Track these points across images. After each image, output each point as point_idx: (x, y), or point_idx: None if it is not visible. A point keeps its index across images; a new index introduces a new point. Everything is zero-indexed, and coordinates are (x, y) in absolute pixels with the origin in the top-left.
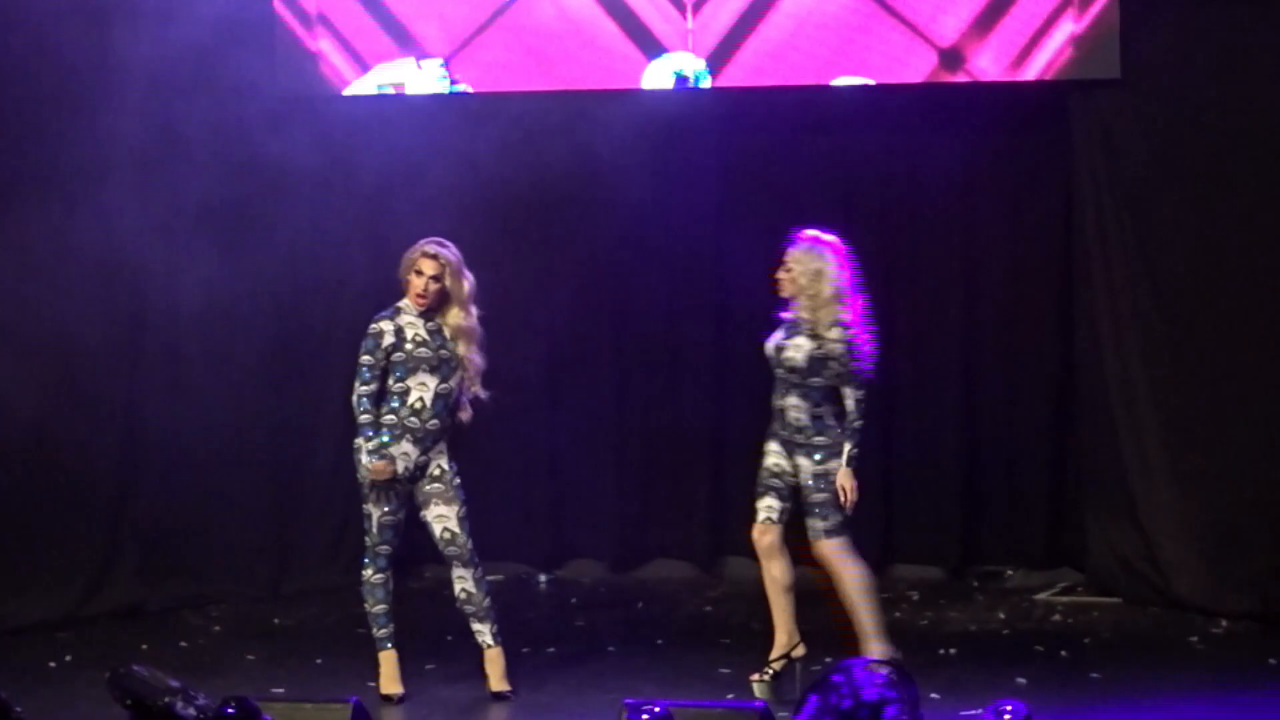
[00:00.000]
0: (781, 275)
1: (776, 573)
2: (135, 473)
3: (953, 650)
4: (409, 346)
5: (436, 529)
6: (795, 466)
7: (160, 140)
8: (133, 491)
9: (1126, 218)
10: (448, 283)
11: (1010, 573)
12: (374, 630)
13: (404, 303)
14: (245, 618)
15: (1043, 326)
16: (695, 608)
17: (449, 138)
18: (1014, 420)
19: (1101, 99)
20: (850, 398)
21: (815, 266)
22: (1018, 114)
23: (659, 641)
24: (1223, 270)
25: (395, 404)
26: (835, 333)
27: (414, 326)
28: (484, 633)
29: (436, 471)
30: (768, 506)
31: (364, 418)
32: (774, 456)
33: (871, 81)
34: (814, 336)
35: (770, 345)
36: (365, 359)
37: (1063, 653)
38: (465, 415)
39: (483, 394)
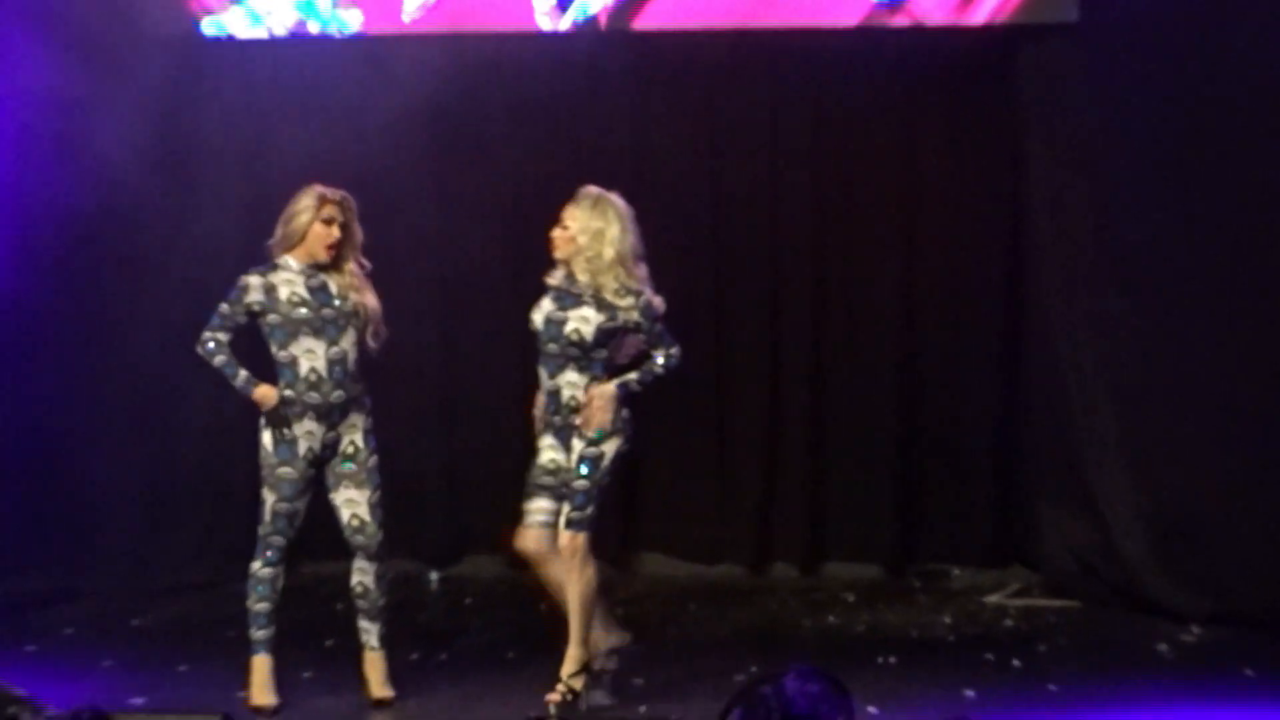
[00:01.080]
0: (556, 234)
1: (558, 574)
2: None
3: (892, 659)
4: (283, 307)
5: (344, 514)
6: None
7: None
8: None
9: (1081, 182)
10: (352, 227)
11: (956, 572)
12: (251, 630)
13: (285, 258)
14: (101, 617)
15: (988, 301)
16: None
17: (338, 79)
18: (956, 403)
19: (1054, 49)
20: (661, 355)
21: (596, 226)
22: (963, 64)
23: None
24: (1186, 240)
25: (288, 377)
26: (628, 300)
27: (290, 284)
28: (370, 632)
29: (350, 449)
30: (540, 509)
31: (219, 357)
32: (549, 452)
33: (801, 24)
34: (602, 306)
35: (539, 318)
36: (221, 307)
37: (1015, 662)
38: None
39: (382, 333)
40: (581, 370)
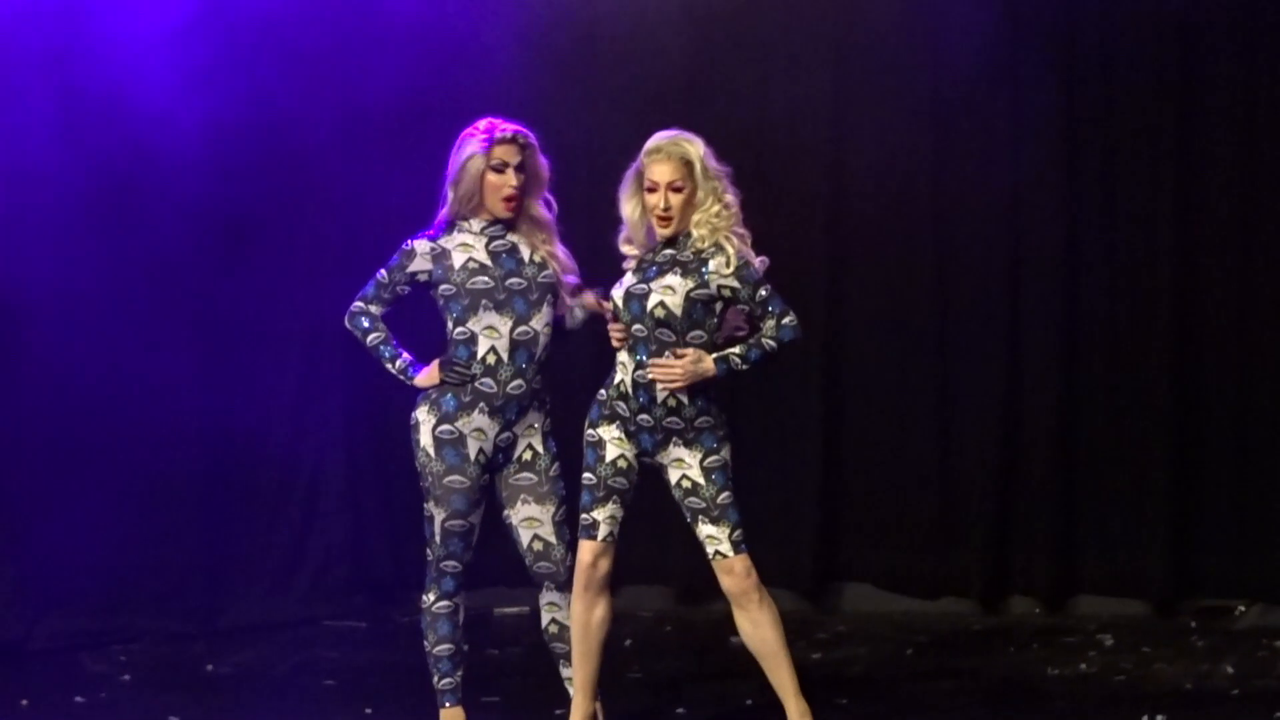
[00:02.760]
0: (657, 205)
1: (602, 613)
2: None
3: (1160, 716)
4: (457, 276)
5: (524, 536)
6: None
7: None
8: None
9: None
10: (531, 169)
11: (1242, 609)
12: (435, 679)
13: (466, 220)
14: (165, 662)
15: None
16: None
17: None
18: (1244, 404)
19: None
20: (772, 326)
21: (708, 170)
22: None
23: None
24: None
25: (463, 358)
26: (717, 260)
27: (468, 248)
28: None
29: (528, 455)
30: (612, 517)
31: (372, 335)
32: (617, 447)
33: None
34: (688, 271)
35: (619, 294)
36: (380, 275)
37: None
38: (582, 308)
39: (578, 304)
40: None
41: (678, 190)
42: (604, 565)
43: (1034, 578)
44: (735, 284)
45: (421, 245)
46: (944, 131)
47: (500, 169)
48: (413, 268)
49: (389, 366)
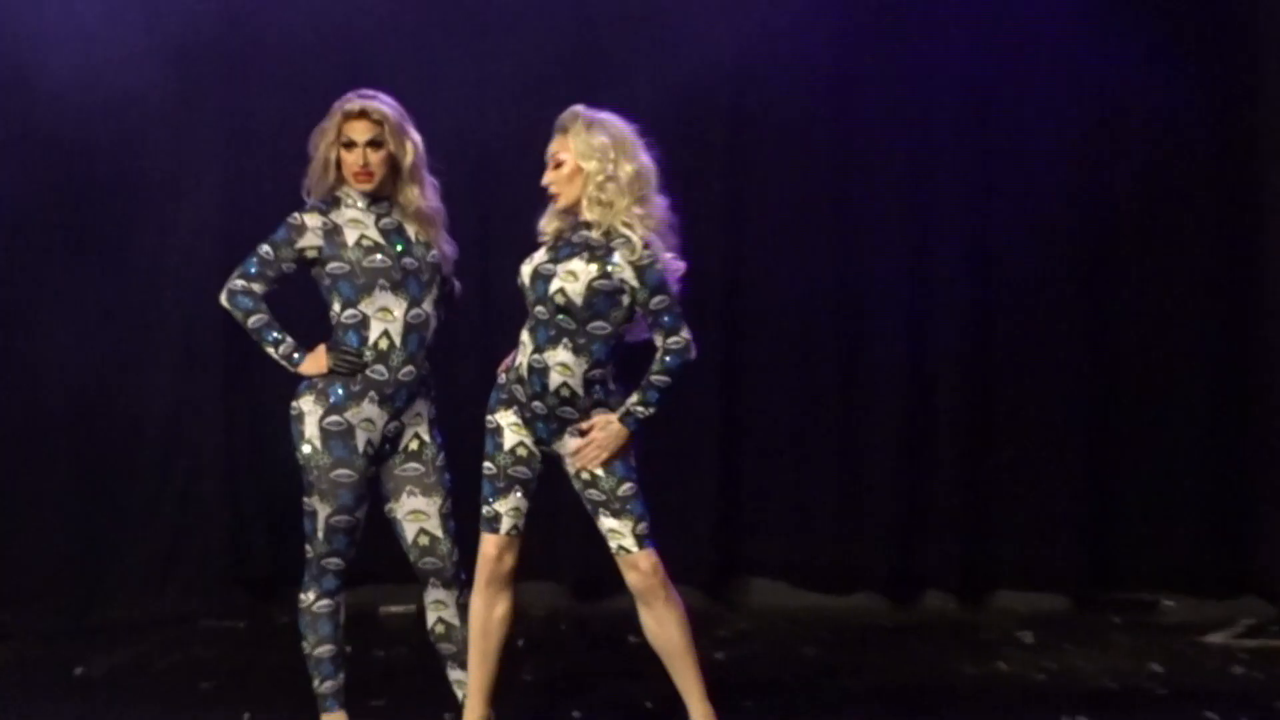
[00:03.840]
0: (549, 177)
1: (504, 611)
2: None
3: (1081, 717)
4: (351, 254)
5: (409, 530)
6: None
7: None
8: None
9: None
10: (392, 147)
11: (1168, 603)
12: (315, 683)
13: (347, 190)
14: (31, 664)
15: (1197, 283)
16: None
17: None
18: (1163, 390)
19: None
20: (660, 342)
21: (599, 141)
22: None
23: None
24: None
25: (352, 343)
26: (622, 251)
27: (359, 224)
28: (464, 684)
29: (414, 445)
30: (515, 509)
31: (254, 316)
32: (516, 434)
33: None
34: (596, 257)
35: (528, 270)
36: (263, 250)
37: None
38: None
39: (457, 289)
40: (578, 350)
41: (559, 165)
42: (509, 560)
43: (948, 571)
44: (634, 281)
45: (312, 219)
46: (850, 97)
47: (349, 146)
48: (302, 243)
49: (272, 351)
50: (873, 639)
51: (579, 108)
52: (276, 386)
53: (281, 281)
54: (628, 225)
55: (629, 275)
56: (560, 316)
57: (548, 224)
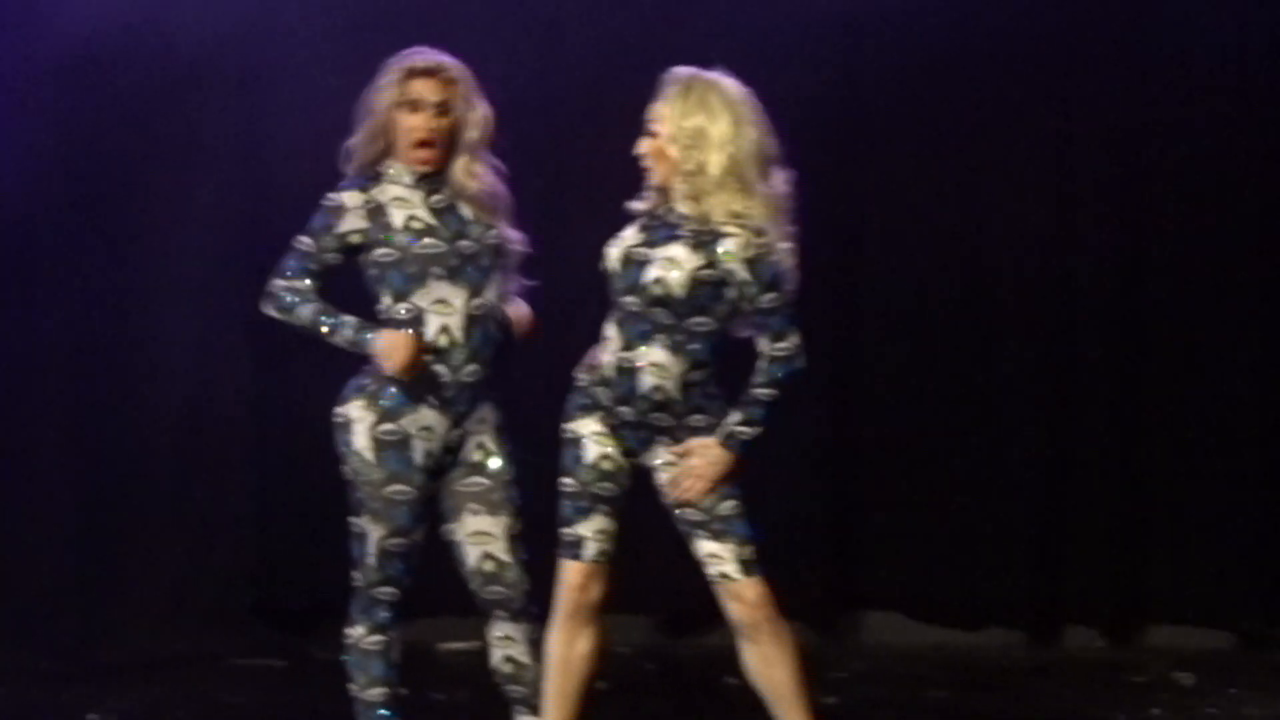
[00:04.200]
0: (645, 145)
1: (587, 647)
2: None
3: None
4: (400, 238)
5: (472, 555)
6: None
7: None
8: None
9: None
10: (460, 114)
11: None
12: None
13: (391, 164)
14: (34, 709)
15: None
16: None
17: None
18: None
19: None
20: (767, 347)
21: (694, 124)
22: None
23: None
24: None
25: None
26: (733, 239)
27: (405, 204)
28: None
29: (478, 456)
30: (602, 532)
31: (305, 308)
32: (601, 445)
33: None
34: (701, 244)
35: (617, 253)
36: (303, 243)
37: None
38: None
39: (518, 285)
40: (675, 349)
41: (653, 136)
42: (594, 590)
43: (1094, 603)
44: (744, 274)
45: (352, 197)
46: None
47: (414, 107)
48: (344, 227)
49: (337, 337)
50: (1007, 680)
51: (685, 71)
52: (314, 387)
53: (327, 277)
54: (730, 217)
55: (738, 266)
56: (656, 310)
57: (645, 200)
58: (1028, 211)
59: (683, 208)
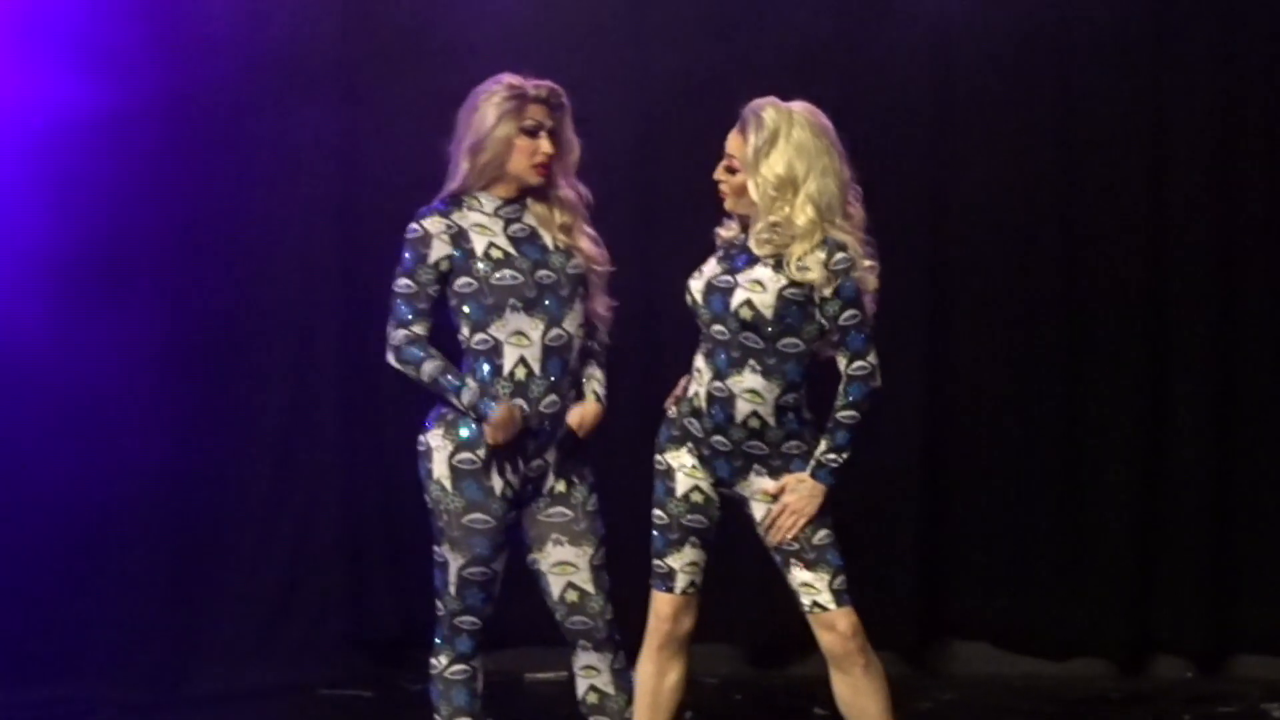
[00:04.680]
0: (721, 174)
1: (677, 678)
2: None
3: None
4: (480, 268)
5: (556, 585)
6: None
7: None
8: None
9: None
10: (566, 137)
11: None
12: None
13: (475, 194)
14: None
15: None
16: None
17: None
18: None
19: None
20: (843, 365)
21: (779, 170)
22: None
23: None
24: None
25: (483, 374)
26: (816, 257)
27: (485, 231)
28: None
29: (560, 487)
30: (693, 564)
31: (429, 364)
32: (690, 477)
33: None
34: (783, 265)
35: (699, 285)
36: (402, 285)
37: None
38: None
39: (610, 306)
40: (768, 373)
41: (732, 171)
42: (686, 622)
43: (1184, 633)
44: (826, 293)
45: (434, 224)
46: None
47: (533, 131)
48: (434, 255)
49: (456, 400)
50: (1096, 711)
51: (768, 111)
52: (403, 413)
53: (436, 312)
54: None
55: (820, 282)
56: (745, 334)
57: (728, 228)
58: (1123, 238)
59: (762, 251)
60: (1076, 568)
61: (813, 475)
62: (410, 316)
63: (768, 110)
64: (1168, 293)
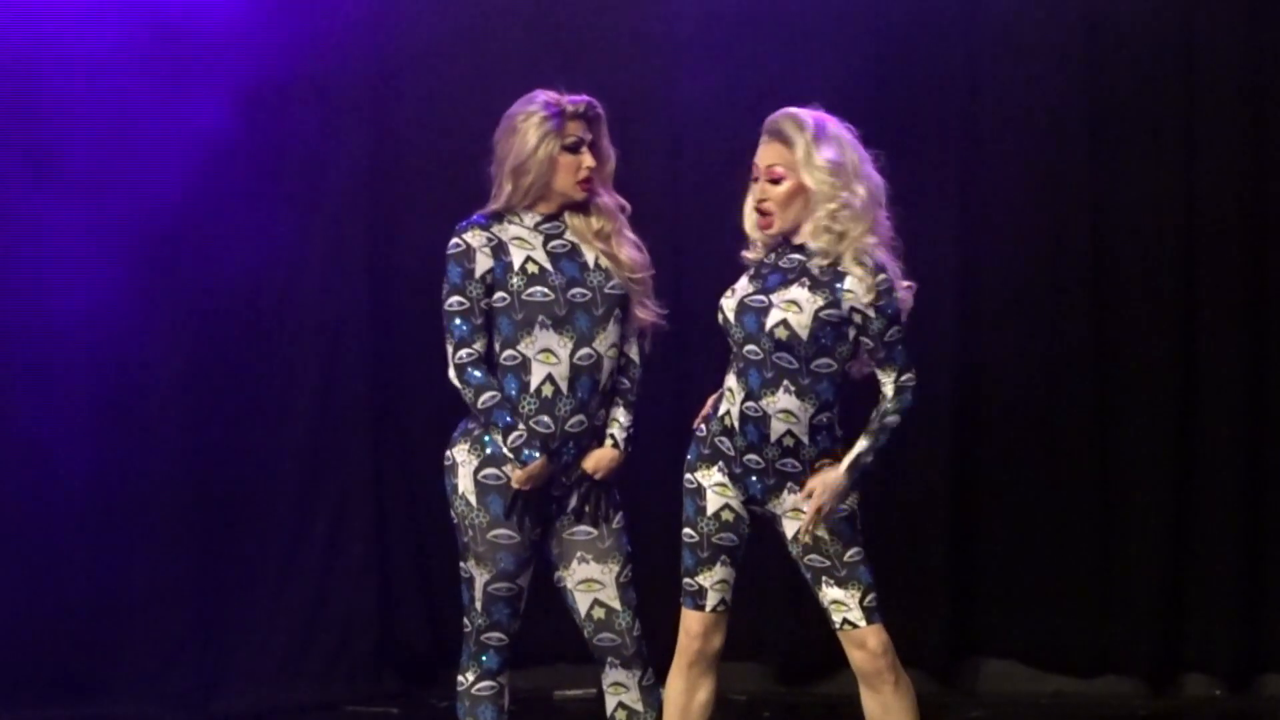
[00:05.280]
0: (758, 197)
1: (706, 696)
2: None
3: None
4: (515, 282)
5: (583, 602)
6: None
7: None
8: None
9: None
10: (603, 148)
11: None
12: None
13: (517, 210)
14: None
15: None
16: None
17: None
18: None
19: None
20: (890, 382)
21: (827, 157)
22: None
23: None
24: None
25: (511, 388)
26: (856, 274)
27: (524, 245)
28: None
29: (586, 505)
30: (723, 583)
31: (487, 396)
32: (721, 495)
33: None
34: (819, 285)
35: (731, 305)
36: (455, 303)
37: None
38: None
39: (659, 314)
40: (801, 394)
41: (776, 181)
42: (716, 640)
43: (1213, 651)
44: (870, 313)
45: (475, 237)
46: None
47: (575, 148)
48: (479, 269)
49: (500, 440)
50: None
51: (799, 112)
52: (432, 429)
53: (490, 327)
54: (860, 254)
55: (863, 304)
56: (780, 355)
57: (754, 250)
58: (1152, 252)
59: (819, 243)
60: (1105, 585)
61: (847, 470)
62: (469, 333)
63: (800, 113)
64: (1198, 306)
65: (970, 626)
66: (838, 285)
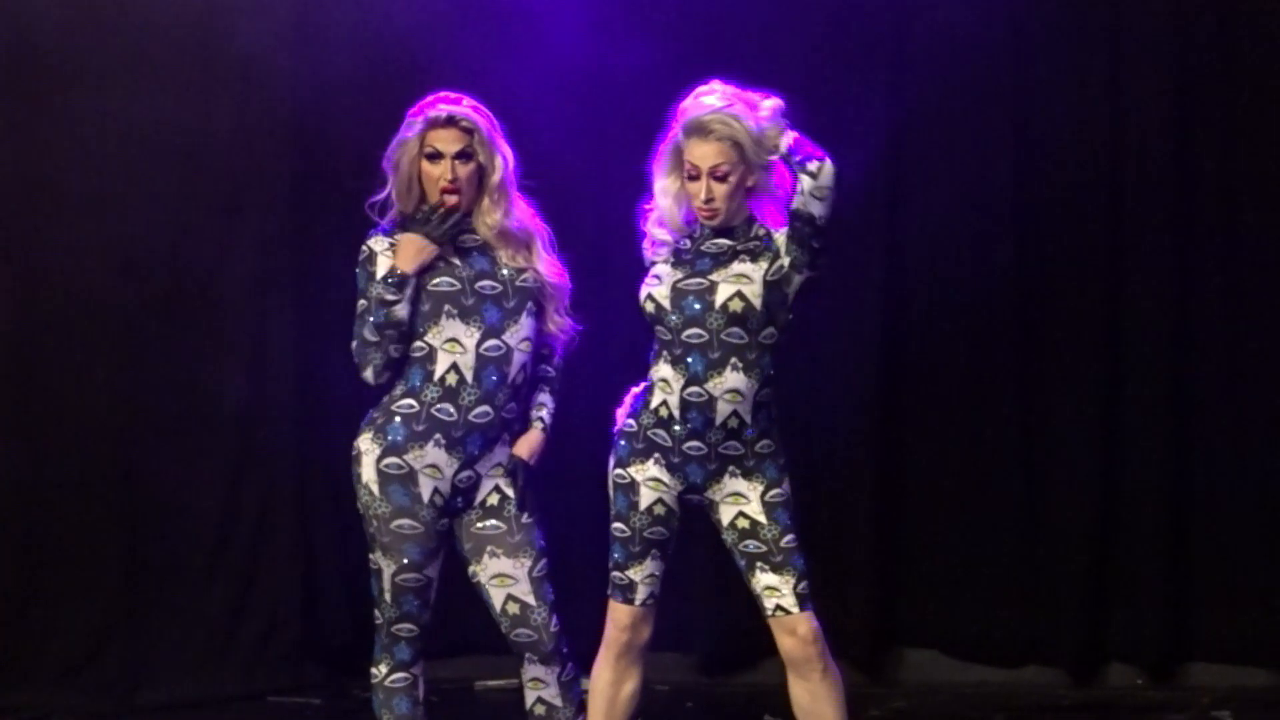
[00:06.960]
0: (701, 194)
1: (633, 688)
2: None
3: None
4: (421, 277)
5: (496, 597)
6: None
7: None
8: None
9: None
10: (481, 158)
11: None
12: None
13: (406, 214)
14: None
15: None
16: None
17: None
18: None
19: None
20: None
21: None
22: None
23: None
24: None
25: (416, 379)
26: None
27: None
28: None
29: (494, 499)
30: (653, 576)
31: (367, 329)
32: (655, 489)
33: None
34: (760, 254)
35: (664, 291)
36: (359, 306)
37: None
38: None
39: (569, 325)
40: (748, 369)
41: (721, 179)
42: (644, 632)
43: (1136, 641)
44: (784, 242)
45: (378, 243)
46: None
47: (435, 157)
48: (380, 272)
49: (387, 295)
50: (1048, 718)
51: (724, 107)
52: (354, 420)
53: (399, 328)
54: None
55: (783, 246)
56: (730, 330)
57: (662, 231)
58: (1076, 246)
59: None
60: (1028, 575)
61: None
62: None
63: (725, 109)
64: (1122, 298)
65: (893, 616)
66: (771, 243)
